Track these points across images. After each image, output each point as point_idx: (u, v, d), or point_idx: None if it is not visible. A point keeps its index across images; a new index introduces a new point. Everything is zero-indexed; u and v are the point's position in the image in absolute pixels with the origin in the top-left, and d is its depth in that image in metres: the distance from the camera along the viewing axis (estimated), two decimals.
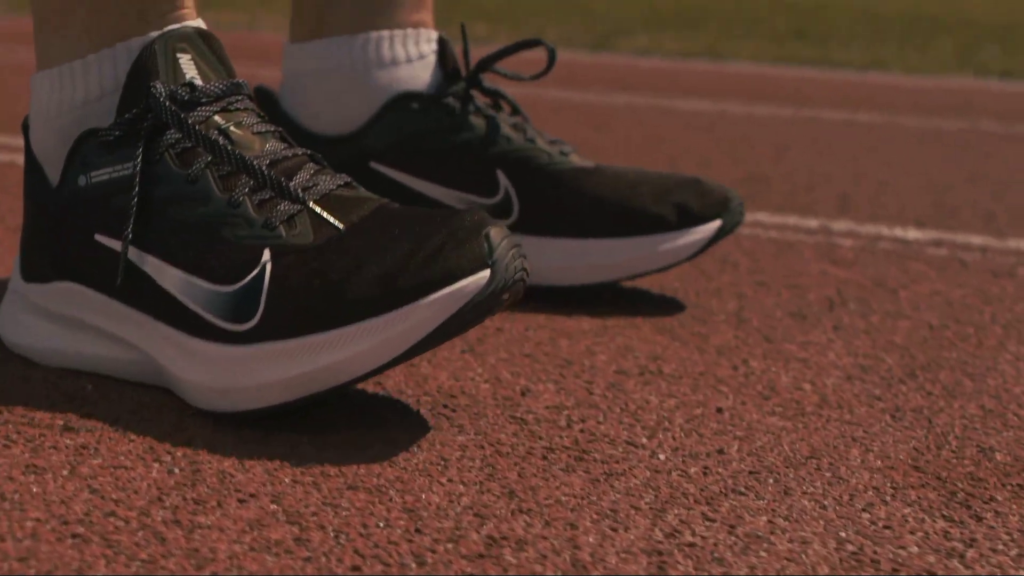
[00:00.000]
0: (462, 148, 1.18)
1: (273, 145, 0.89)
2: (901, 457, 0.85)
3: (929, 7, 9.24)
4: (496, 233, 0.80)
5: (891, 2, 9.55)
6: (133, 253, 0.86)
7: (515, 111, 1.22)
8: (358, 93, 1.19)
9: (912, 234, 1.60)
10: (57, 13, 0.92)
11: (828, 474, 0.81)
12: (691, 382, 0.98)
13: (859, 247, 1.51)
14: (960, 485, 0.81)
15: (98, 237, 0.88)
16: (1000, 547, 0.72)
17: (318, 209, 0.84)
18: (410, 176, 1.18)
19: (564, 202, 1.18)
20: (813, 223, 1.64)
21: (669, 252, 1.17)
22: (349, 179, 0.89)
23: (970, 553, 0.71)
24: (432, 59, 1.19)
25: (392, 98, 1.18)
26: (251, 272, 0.82)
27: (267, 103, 1.22)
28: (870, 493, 0.78)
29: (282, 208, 0.84)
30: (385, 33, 1.18)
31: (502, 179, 1.18)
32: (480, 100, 1.21)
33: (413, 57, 1.19)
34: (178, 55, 0.88)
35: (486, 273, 0.79)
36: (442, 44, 1.20)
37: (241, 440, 0.81)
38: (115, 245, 0.87)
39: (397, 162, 1.18)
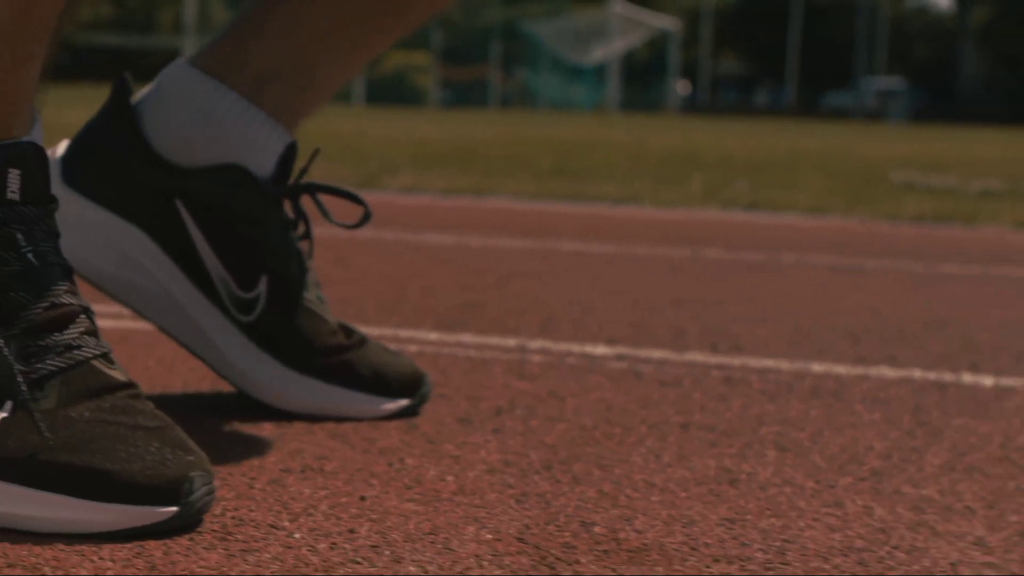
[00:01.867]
0: (250, 241, 1.29)
1: (59, 286, 0.98)
2: (511, 532, 0.98)
3: (690, 146, 9.63)
4: (200, 481, 0.93)
5: (654, 141, 9.92)
6: None
7: (307, 236, 1.34)
8: (209, 142, 1.28)
9: (600, 350, 1.75)
10: None
11: (440, 546, 0.94)
12: (347, 477, 1.10)
13: (547, 363, 1.65)
14: (553, 552, 0.94)
15: None
16: None
17: (63, 390, 0.95)
18: (199, 231, 1.29)
19: (296, 333, 1.31)
20: (511, 343, 1.78)
21: (361, 410, 1.32)
22: (109, 349, 1.00)
23: None
24: (276, 156, 1.29)
25: (230, 163, 1.28)
26: None
27: (122, 95, 1.30)
28: (471, 560, 0.91)
29: (40, 367, 0.95)
30: (261, 115, 1.29)
31: (262, 284, 1.29)
32: (288, 212, 1.33)
33: (266, 146, 1.29)
34: (9, 170, 0.96)
35: (173, 510, 0.92)
36: (290, 149, 1.30)
37: None
38: None
39: (197, 215, 1.28)
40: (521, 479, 1.12)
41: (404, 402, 1.34)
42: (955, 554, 0.98)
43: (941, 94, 48.02)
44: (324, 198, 1.32)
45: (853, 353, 1.82)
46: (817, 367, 1.71)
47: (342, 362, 1.32)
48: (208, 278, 1.29)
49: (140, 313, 1.31)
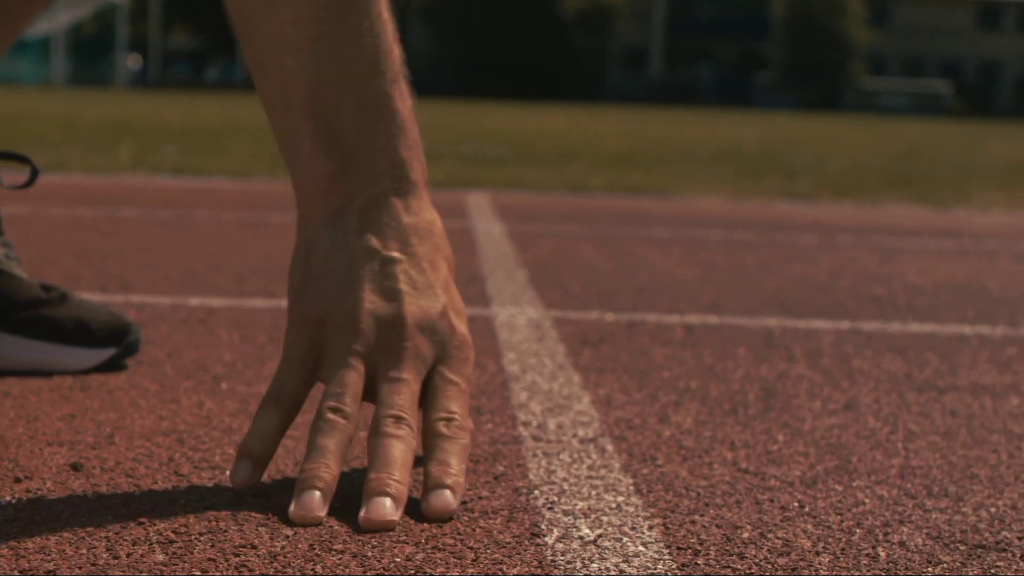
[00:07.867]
0: None
1: None
2: None
3: (125, 116, 9.65)
4: None
5: (90, 112, 9.85)
6: None
7: None
8: None
9: None
10: None
11: None
12: None
13: None
14: None
15: None
16: None
17: None
18: None
19: None
20: None
21: (62, 362, 1.35)
22: None
23: None
24: None
25: None
26: None
27: None
28: None
29: None
30: None
31: None
32: None
33: None
34: None
35: None
36: None
37: None
38: None
39: None
40: None
41: (111, 351, 1.38)
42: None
43: None
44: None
45: (234, 289, 2.00)
46: (195, 301, 1.87)
47: (39, 316, 1.35)
48: None
49: None
